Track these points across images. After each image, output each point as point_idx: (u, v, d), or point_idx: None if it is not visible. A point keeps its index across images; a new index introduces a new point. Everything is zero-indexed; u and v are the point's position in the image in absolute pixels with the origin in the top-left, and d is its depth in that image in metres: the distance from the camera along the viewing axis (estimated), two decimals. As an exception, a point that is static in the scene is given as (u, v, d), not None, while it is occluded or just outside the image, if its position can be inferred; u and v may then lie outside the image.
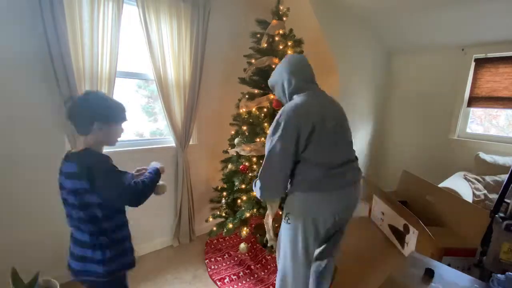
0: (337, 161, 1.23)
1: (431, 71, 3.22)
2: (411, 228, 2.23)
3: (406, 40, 3.13)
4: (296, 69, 1.34)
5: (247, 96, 2.00)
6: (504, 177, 2.44)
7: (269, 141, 1.21)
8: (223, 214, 2.11)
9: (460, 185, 2.41)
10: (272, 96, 1.90)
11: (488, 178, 2.56)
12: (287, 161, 1.19)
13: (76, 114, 1.01)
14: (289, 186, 1.28)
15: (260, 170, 1.25)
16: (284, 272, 1.35)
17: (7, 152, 1.54)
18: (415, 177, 2.86)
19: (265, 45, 1.97)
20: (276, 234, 2.05)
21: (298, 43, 2.00)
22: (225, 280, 1.91)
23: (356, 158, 1.34)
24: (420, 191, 2.65)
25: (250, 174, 2.02)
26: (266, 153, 1.22)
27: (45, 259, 1.74)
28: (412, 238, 2.22)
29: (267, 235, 1.72)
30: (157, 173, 1.18)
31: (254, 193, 1.91)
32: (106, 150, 1.87)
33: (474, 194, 2.38)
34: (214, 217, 2.14)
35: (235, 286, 1.86)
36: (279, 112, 1.22)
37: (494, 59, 2.82)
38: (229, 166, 2.10)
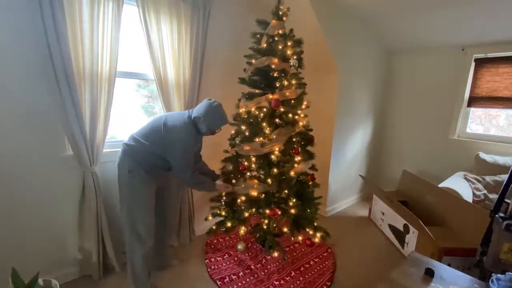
0: None
1: (431, 71, 3.22)
2: (411, 228, 2.23)
3: (406, 40, 3.13)
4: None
5: (246, 96, 2.01)
6: (504, 177, 2.44)
7: None
8: (223, 213, 2.11)
9: (460, 185, 2.41)
10: (271, 96, 1.90)
11: (488, 178, 2.56)
12: None
13: None
14: None
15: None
16: None
17: (7, 152, 1.54)
18: (415, 177, 2.86)
19: (265, 45, 1.97)
20: (275, 235, 2.06)
21: (297, 43, 2.00)
22: (225, 280, 1.91)
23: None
24: (420, 191, 2.65)
25: (248, 174, 2.02)
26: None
27: (45, 259, 1.74)
28: (412, 238, 2.22)
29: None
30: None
31: (253, 193, 1.92)
32: (106, 150, 1.88)
33: (474, 194, 2.38)
34: (214, 216, 2.14)
35: (235, 286, 1.86)
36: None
37: (494, 59, 2.81)
38: (229, 165, 2.10)
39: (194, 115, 1.67)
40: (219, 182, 1.96)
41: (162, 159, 1.65)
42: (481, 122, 3.14)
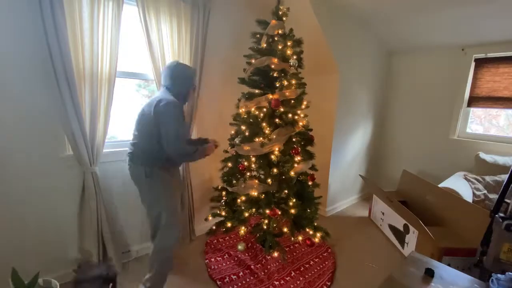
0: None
1: (431, 71, 3.22)
2: (411, 228, 2.23)
3: (406, 40, 3.13)
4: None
5: (246, 96, 2.01)
6: (504, 177, 2.44)
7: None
8: (223, 214, 2.11)
9: (460, 185, 2.41)
10: (271, 96, 1.90)
11: (488, 178, 2.56)
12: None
13: None
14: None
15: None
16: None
17: (7, 152, 1.54)
18: (415, 177, 2.86)
19: (265, 45, 1.97)
20: (275, 235, 2.05)
21: (297, 43, 2.00)
22: (225, 280, 1.91)
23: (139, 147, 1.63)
24: (420, 191, 2.65)
25: (248, 174, 2.02)
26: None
27: (45, 259, 1.74)
28: (412, 238, 2.22)
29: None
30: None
31: (253, 193, 1.92)
32: (106, 150, 1.88)
33: (474, 194, 2.38)
34: (214, 216, 2.15)
35: (235, 286, 1.86)
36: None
37: (494, 59, 2.81)
38: (229, 165, 2.10)
39: (167, 85, 1.64)
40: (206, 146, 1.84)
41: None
42: (481, 122, 3.14)
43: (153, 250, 1.68)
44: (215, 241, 2.40)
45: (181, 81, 1.66)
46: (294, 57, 1.96)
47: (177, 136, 1.56)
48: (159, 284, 1.71)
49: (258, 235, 2.04)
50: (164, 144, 1.56)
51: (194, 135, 2.33)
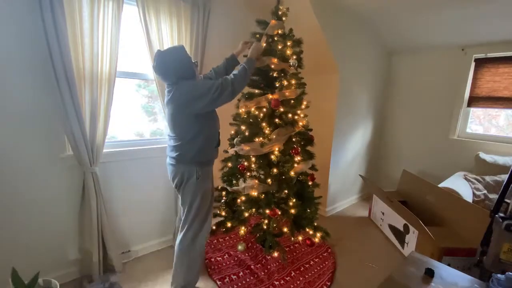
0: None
1: (431, 71, 3.22)
2: (411, 228, 2.23)
3: (406, 40, 3.13)
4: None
5: (246, 96, 2.00)
6: (504, 177, 2.44)
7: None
8: (223, 214, 2.11)
9: (460, 185, 2.40)
10: (270, 96, 1.90)
11: (488, 178, 2.56)
12: None
13: None
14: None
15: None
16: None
17: (7, 153, 1.54)
18: (415, 177, 2.86)
19: (264, 45, 1.96)
20: (275, 235, 2.05)
21: (297, 43, 2.00)
22: (225, 280, 1.91)
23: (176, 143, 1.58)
24: (420, 191, 2.65)
25: (248, 174, 2.02)
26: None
27: (45, 259, 1.75)
28: (412, 238, 2.22)
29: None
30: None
31: (253, 193, 1.91)
32: (106, 150, 1.88)
33: (474, 194, 2.38)
34: (214, 216, 2.14)
35: (235, 286, 1.86)
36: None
37: (494, 59, 2.81)
38: (229, 165, 2.10)
39: (175, 79, 1.49)
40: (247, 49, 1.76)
41: (210, 127, 1.62)
42: (481, 122, 3.14)
43: (186, 245, 1.66)
44: (215, 241, 2.40)
45: (177, 65, 1.48)
46: (294, 57, 1.96)
47: (213, 86, 1.46)
48: (194, 279, 1.75)
49: (258, 235, 2.05)
50: (219, 99, 1.48)
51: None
